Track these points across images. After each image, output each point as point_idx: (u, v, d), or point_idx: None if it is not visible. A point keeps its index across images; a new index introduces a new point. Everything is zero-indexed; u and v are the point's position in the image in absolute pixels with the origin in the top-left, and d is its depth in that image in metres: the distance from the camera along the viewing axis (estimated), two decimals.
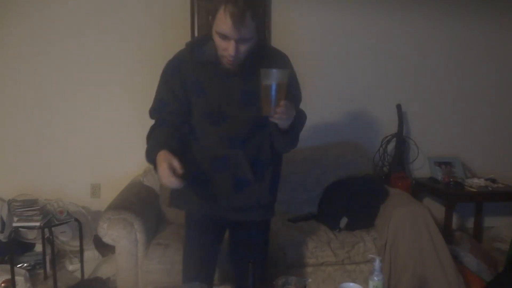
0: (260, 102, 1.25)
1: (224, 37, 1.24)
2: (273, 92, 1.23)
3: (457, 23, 3.13)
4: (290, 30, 2.94)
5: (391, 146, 3.07)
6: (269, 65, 1.24)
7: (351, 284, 1.32)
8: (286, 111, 1.24)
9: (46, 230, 2.47)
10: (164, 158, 1.25)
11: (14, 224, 2.35)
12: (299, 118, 1.41)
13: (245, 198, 1.47)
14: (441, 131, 3.21)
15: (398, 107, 3.02)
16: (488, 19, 3.15)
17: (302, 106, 1.49)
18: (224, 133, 1.40)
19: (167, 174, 1.22)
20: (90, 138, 2.89)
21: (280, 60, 1.43)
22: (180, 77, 1.40)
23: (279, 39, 2.89)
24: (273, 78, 1.23)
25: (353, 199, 2.44)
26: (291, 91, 1.37)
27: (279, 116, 1.24)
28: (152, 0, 2.84)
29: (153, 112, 1.48)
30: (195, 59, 1.38)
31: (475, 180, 2.94)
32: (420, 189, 3.06)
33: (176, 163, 1.23)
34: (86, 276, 2.52)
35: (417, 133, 3.16)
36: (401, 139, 3.03)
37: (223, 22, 1.21)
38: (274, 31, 2.92)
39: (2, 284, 2.31)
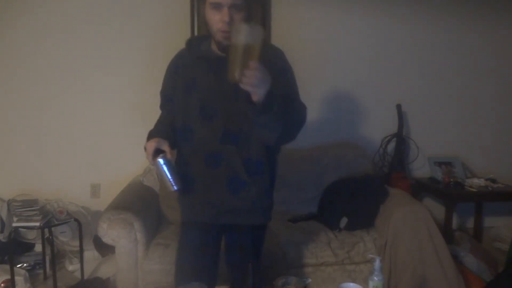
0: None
1: (217, 6, 1.25)
2: (242, 52, 1.09)
3: (457, 23, 3.13)
4: (290, 30, 2.94)
5: (391, 146, 3.07)
6: (264, 60, 1.16)
7: (351, 284, 1.32)
8: (257, 74, 1.11)
9: (46, 230, 2.47)
10: (157, 139, 1.33)
11: (14, 224, 2.35)
12: (292, 107, 1.33)
13: (240, 200, 1.41)
14: (441, 131, 3.21)
15: (398, 107, 3.02)
16: (488, 19, 3.15)
17: None
18: (216, 129, 1.37)
19: (150, 150, 1.31)
20: (90, 138, 2.89)
21: (274, 54, 1.39)
22: (177, 73, 1.46)
23: (279, 39, 2.89)
24: (243, 35, 1.09)
25: (353, 199, 2.44)
26: (288, 83, 1.35)
27: (248, 80, 1.11)
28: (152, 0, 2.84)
29: (160, 107, 1.59)
30: (192, 54, 1.42)
31: (475, 180, 2.93)
32: (420, 189, 3.06)
33: (165, 147, 1.32)
34: (86, 276, 2.51)
35: (417, 133, 3.16)
36: (401, 139, 3.03)
37: None
38: (274, 31, 2.92)
39: (2, 284, 2.30)
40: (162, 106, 1.58)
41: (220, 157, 1.38)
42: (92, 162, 2.90)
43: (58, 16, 2.78)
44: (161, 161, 1.30)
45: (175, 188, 1.32)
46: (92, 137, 2.89)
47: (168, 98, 1.51)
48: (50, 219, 2.42)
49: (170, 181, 1.31)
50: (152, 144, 1.32)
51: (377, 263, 1.32)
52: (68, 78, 2.84)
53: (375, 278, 1.30)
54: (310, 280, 1.38)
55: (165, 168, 1.30)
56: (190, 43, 1.45)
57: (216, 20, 1.27)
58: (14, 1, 2.73)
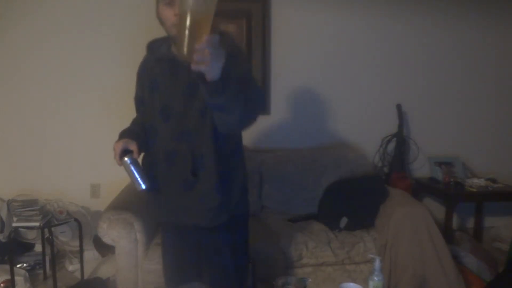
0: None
1: (170, 2, 1.24)
2: (191, 21, 0.88)
3: (457, 23, 3.13)
4: (290, 30, 2.94)
5: (391, 146, 3.07)
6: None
7: (351, 284, 1.32)
8: (211, 49, 0.95)
9: (46, 230, 2.47)
10: (125, 139, 1.36)
11: (14, 224, 2.35)
12: (249, 85, 1.20)
13: (189, 199, 1.39)
14: (441, 131, 3.21)
15: (398, 107, 3.02)
16: (488, 19, 3.15)
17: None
18: (173, 128, 1.38)
19: (117, 150, 1.33)
20: (90, 138, 2.89)
21: (227, 39, 1.26)
22: (142, 77, 1.48)
23: (279, 39, 2.89)
24: (191, 1, 0.88)
25: (353, 199, 2.44)
26: (240, 65, 1.22)
27: (200, 58, 0.95)
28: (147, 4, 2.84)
29: (136, 111, 1.60)
30: (153, 56, 1.44)
31: (475, 180, 2.94)
32: (420, 189, 3.06)
33: (133, 147, 1.34)
34: (86, 276, 2.52)
35: (417, 133, 3.16)
36: (401, 139, 3.03)
37: None
38: (274, 31, 2.91)
39: (2, 284, 2.30)
40: (136, 110, 1.60)
41: (175, 156, 1.39)
42: (92, 162, 2.90)
43: (58, 17, 2.78)
44: (127, 160, 1.31)
45: (143, 187, 1.33)
46: (92, 137, 2.89)
47: (139, 102, 1.54)
48: (50, 219, 2.42)
49: (138, 180, 1.33)
50: (120, 144, 1.33)
51: (377, 263, 1.32)
52: (68, 78, 2.84)
53: (375, 278, 1.31)
54: (310, 280, 1.38)
55: (132, 167, 1.32)
56: (150, 46, 1.47)
57: (169, 15, 1.25)
58: (14, 7, 2.73)
